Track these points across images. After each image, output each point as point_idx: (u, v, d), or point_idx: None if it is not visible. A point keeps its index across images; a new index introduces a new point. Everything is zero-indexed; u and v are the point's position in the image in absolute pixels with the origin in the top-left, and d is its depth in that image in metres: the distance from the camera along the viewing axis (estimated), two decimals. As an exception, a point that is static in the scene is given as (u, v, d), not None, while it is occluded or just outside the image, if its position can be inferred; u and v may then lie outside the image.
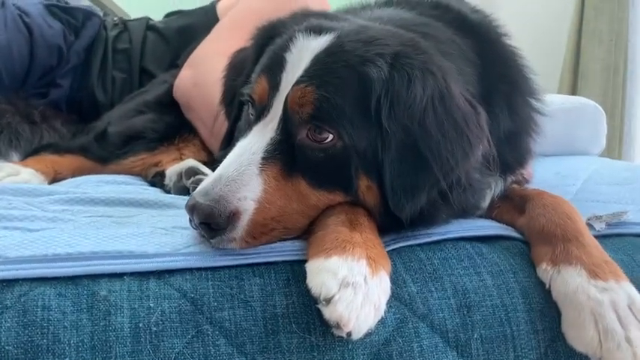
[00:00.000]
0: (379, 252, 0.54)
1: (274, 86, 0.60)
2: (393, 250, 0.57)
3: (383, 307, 0.50)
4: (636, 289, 0.53)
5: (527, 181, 0.80)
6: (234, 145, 0.62)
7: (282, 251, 0.54)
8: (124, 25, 1.44)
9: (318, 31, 0.62)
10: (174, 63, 1.27)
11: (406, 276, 0.55)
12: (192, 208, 0.54)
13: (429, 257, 0.57)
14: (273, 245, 0.55)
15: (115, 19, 1.48)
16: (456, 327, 0.53)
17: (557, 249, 0.56)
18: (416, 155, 0.57)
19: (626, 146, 2.05)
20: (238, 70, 0.75)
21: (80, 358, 0.45)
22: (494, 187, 0.71)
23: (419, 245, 0.58)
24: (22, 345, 0.45)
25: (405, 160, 0.57)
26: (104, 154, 1.08)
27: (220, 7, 1.37)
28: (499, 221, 0.66)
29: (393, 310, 0.52)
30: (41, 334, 0.46)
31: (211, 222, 0.53)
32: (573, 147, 1.39)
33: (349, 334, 0.47)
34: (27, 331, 0.45)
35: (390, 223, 0.59)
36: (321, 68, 0.58)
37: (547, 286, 0.55)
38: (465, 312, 0.53)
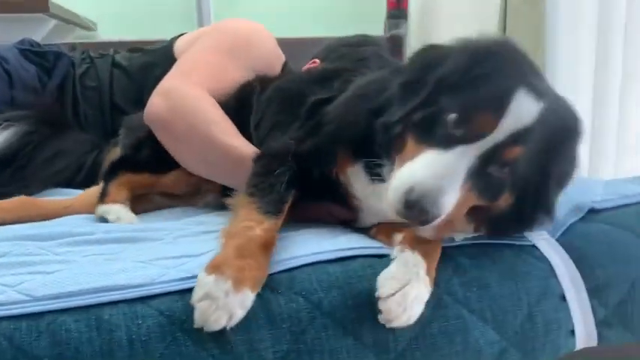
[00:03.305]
0: (254, 275, 0.71)
1: (494, 126, 0.72)
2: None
3: (238, 315, 0.68)
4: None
5: None
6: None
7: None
8: (91, 60, 1.61)
9: (538, 95, 0.74)
10: (140, 98, 1.40)
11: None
12: (413, 205, 0.69)
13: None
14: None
15: (83, 54, 1.64)
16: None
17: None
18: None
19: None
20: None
21: None
22: None
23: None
24: (55, 357, 0.65)
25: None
26: None
27: (177, 48, 1.53)
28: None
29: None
30: (66, 348, 0.66)
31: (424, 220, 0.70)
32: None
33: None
34: (57, 347, 0.66)
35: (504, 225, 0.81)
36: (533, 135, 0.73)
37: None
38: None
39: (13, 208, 1.17)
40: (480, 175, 0.73)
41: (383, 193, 0.77)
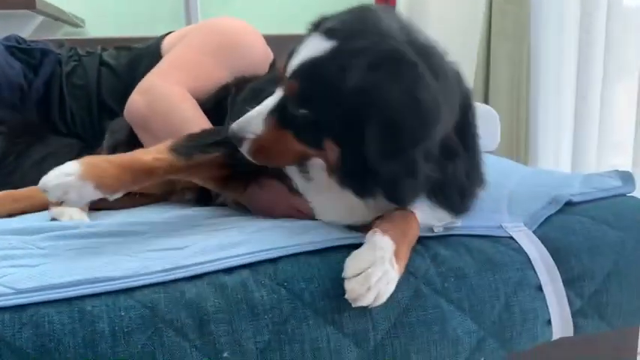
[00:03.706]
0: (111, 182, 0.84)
1: (285, 67, 0.83)
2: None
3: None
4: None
5: None
6: None
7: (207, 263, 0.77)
8: (79, 58, 1.60)
9: (332, 35, 0.78)
10: (127, 97, 1.41)
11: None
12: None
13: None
14: (202, 261, 0.78)
15: (70, 51, 1.63)
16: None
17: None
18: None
19: (531, 132, 2.34)
20: None
21: (77, 354, 0.66)
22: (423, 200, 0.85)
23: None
24: (37, 348, 0.66)
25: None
26: None
27: (164, 45, 1.53)
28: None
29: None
30: (49, 339, 0.66)
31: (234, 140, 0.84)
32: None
33: None
34: (39, 339, 0.66)
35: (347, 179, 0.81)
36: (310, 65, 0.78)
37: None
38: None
39: (23, 198, 1.18)
40: (285, 115, 0.82)
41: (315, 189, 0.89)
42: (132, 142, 1.26)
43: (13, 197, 1.18)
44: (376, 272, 0.72)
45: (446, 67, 0.82)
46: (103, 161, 0.86)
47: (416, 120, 0.74)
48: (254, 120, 0.84)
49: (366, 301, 0.72)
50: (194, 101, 1.25)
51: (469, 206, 0.89)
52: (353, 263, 0.74)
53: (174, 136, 1.05)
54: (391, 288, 0.74)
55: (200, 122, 1.20)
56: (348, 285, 0.72)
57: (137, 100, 1.26)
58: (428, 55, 0.78)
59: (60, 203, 0.84)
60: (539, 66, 2.32)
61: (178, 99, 1.24)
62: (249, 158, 0.87)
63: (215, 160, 0.96)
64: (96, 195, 0.84)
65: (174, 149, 0.93)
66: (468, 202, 0.89)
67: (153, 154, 0.91)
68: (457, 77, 0.85)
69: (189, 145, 0.95)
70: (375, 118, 0.74)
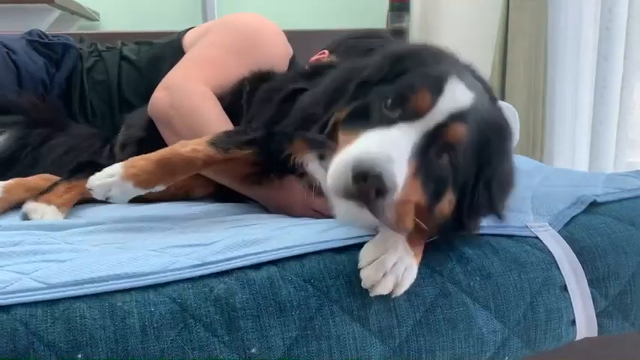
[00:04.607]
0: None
1: (432, 103, 0.72)
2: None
3: None
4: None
5: None
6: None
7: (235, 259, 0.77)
8: (99, 53, 1.61)
9: (468, 85, 0.75)
10: (149, 92, 1.42)
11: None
12: (362, 175, 0.63)
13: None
14: (230, 257, 0.78)
15: (91, 46, 1.64)
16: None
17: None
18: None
19: (548, 129, 2.33)
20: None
21: (108, 348, 0.67)
22: None
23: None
24: (69, 342, 0.67)
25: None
26: None
27: (186, 41, 1.54)
28: None
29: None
30: (81, 334, 0.67)
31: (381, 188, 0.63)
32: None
33: None
34: (72, 333, 0.67)
35: (447, 229, 0.79)
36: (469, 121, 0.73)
37: None
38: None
39: (33, 187, 1.19)
40: (424, 158, 0.71)
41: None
42: (143, 140, 1.28)
43: (25, 186, 1.20)
44: (391, 258, 0.73)
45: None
46: (141, 160, 0.94)
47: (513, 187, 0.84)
48: (397, 161, 0.66)
49: (383, 288, 0.72)
50: (216, 100, 1.27)
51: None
52: (366, 251, 0.75)
53: (195, 134, 1.07)
54: (411, 275, 0.74)
55: (221, 122, 1.21)
56: (364, 273, 0.73)
57: (161, 97, 1.28)
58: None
59: (106, 200, 0.94)
60: (557, 63, 2.31)
61: (201, 98, 1.26)
62: (389, 221, 0.69)
63: (248, 157, 0.99)
64: (136, 192, 0.93)
65: (213, 143, 0.97)
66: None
67: (191, 146, 0.96)
68: None
69: (227, 140, 0.99)
70: (496, 175, 0.79)
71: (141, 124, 1.34)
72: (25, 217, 1.09)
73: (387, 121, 0.72)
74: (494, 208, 0.81)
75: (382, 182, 0.63)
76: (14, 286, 0.71)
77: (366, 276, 0.73)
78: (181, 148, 0.96)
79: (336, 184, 0.67)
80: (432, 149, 0.72)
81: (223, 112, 1.25)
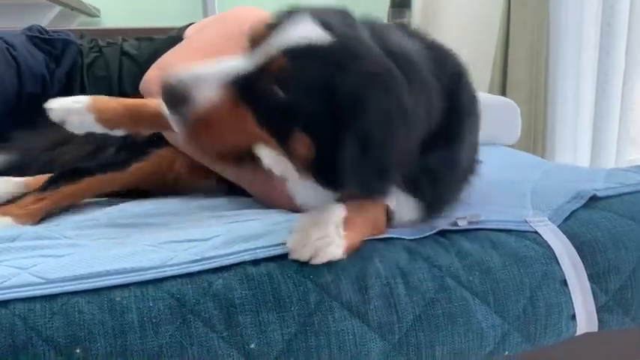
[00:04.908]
0: None
1: (265, 37, 0.75)
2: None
3: None
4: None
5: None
6: None
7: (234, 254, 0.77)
8: (99, 49, 1.60)
9: (330, 29, 0.73)
10: None
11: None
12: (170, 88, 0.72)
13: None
14: (228, 252, 0.78)
15: (91, 42, 1.63)
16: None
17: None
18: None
19: (549, 125, 2.32)
20: None
21: (107, 343, 0.67)
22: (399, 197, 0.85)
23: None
24: (68, 337, 0.66)
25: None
26: None
27: (186, 36, 1.53)
28: None
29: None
30: (80, 329, 0.67)
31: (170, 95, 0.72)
32: (494, 138, 1.64)
33: None
34: (70, 328, 0.67)
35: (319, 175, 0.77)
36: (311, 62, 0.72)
37: None
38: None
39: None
40: (251, 90, 0.73)
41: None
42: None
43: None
44: (317, 232, 0.74)
45: (418, 68, 0.78)
46: (112, 100, 0.95)
47: (394, 140, 0.74)
48: (208, 80, 0.73)
49: (299, 255, 0.74)
50: None
51: (449, 197, 0.91)
52: (299, 221, 0.77)
53: None
54: (332, 251, 0.74)
55: None
56: (289, 238, 0.76)
57: (154, 75, 1.27)
58: (403, 66, 0.76)
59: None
60: (558, 59, 2.30)
61: None
62: (180, 127, 0.75)
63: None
64: (95, 127, 0.91)
65: None
66: (448, 192, 0.91)
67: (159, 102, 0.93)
68: (440, 72, 0.82)
69: None
70: (358, 128, 0.72)
71: None
72: None
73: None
74: (363, 175, 0.74)
75: (177, 89, 0.72)
76: (12, 281, 0.71)
77: (289, 241, 0.75)
78: (151, 102, 0.96)
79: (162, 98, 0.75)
80: (261, 81, 0.73)
81: None
